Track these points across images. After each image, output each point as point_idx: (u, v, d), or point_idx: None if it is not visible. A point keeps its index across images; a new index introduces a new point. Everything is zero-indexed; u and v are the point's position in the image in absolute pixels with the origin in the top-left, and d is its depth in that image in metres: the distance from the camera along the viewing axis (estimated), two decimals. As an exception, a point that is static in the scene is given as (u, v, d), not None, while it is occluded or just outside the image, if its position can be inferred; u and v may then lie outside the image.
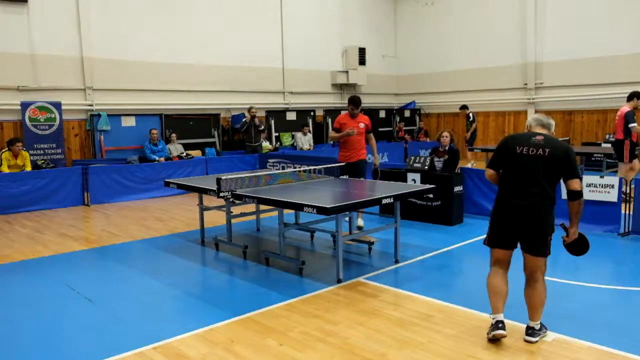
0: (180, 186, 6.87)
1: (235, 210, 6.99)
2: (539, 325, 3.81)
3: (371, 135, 7.51)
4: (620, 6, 13.64)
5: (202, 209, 7.00)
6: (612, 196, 6.86)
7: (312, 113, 15.65)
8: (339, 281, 5.13)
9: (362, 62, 16.84)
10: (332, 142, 15.61)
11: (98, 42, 11.82)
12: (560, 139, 13.70)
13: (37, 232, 7.75)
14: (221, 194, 5.64)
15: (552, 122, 3.95)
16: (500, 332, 3.68)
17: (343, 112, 7.61)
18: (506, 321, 3.74)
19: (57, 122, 11.11)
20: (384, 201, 5.30)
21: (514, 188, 3.74)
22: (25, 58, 10.96)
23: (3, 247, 6.85)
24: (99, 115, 11.70)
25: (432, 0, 17.80)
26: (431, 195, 7.64)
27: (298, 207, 5.01)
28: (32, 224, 8.32)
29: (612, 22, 13.78)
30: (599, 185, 6.97)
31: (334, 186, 6.16)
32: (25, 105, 10.78)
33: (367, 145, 7.53)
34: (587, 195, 7.06)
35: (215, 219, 8.07)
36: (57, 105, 11.13)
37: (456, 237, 6.87)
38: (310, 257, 6.15)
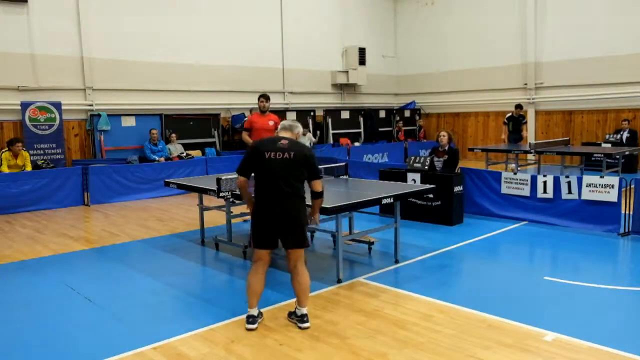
0: (180, 186, 6.87)
1: (235, 210, 6.99)
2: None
3: None
4: (620, 6, 13.63)
5: (202, 209, 7.00)
6: (612, 196, 6.85)
7: (312, 113, 15.64)
8: (339, 281, 5.14)
9: (362, 62, 16.83)
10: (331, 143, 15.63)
11: (98, 42, 11.82)
12: (560, 139, 13.74)
13: (37, 232, 7.75)
14: (221, 194, 5.64)
15: (296, 125, 4.35)
16: (251, 326, 4.09)
17: (254, 112, 8.35)
18: (504, 321, 3.74)
19: (57, 122, 11.11)
20: (384, 201, 5.30)
21: (269, 191, 4.04)
22: (25, 58, 10.95)
23: (3, 247, 6.85)
24: (99, 115, 11.70)
25: (432, 0, 17.81)
26: (431, 195, 7.63)
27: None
28: (32, 224, 8.32)
29: (612, 22, 13.77)
30: (599, 185, 6.97)
31: (334, 186, 6.16)
32: (25, 105, 10.78)
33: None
34: (587, 195, 7.08)
35: (215, 219, 8.07)
36: (57, 105, 11.13)
37: (456, 237, 6.86)
38: (310, 257, 6.14)
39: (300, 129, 4.38)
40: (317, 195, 4.22)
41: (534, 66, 15.41)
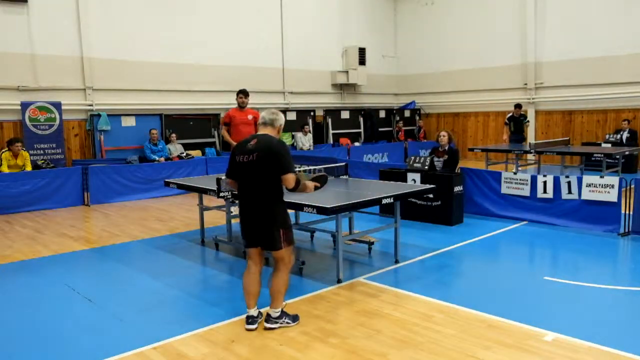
0: (180, 186, 6.87)
1: (235, 210, 6.98)
2: (278, 313, 4.11)
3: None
4: (620, 6, 13.63)
5: (202, 209, 7.00)
6: (612, 196, 6.85)
7: (312, 113, 15.65)
8: (339, 281, 5.14)
9: (362, 62, 16.83)
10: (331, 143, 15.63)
11: (98, 42, 11.82)
12: (560, 139, 13.69)
13: (37, 232, 7.75)
14: (221, 194, 5.63)
15: (277, 118, 4.11)
16: (250, 326, 4.09)
17: (232, 107, 8.46)
18: (504, 321, 3.74)
19: (57, 122, 11.11)
20: (384, 201, 5.30)
21: (242, 193, 4.08)
22: (25, 58, 10.95)
23: (3, 247, 6.85)
24: (99, 115, 11.70)
25: (432, 0, 17.81)
26: (431, 195, 7.63)
27: (298, 207, 5.00)
28: (32, 224, 8.32)
29: (612, 22, 13.77)
30: (599, 185, 6.97)
31: (334, 186, 6.16)
32: (25, 105, 10.78)
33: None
34: (587, 195, 7.08)
35: (215, 219, 8.07)
36: (57, 105, 11.13)
37: (456, 237, 6.86)
38: (310, 257, 6.15)
39: (282, 120, 4.12)
40: (292, 190, 4.01)
41: (534, 66, 15.41)
